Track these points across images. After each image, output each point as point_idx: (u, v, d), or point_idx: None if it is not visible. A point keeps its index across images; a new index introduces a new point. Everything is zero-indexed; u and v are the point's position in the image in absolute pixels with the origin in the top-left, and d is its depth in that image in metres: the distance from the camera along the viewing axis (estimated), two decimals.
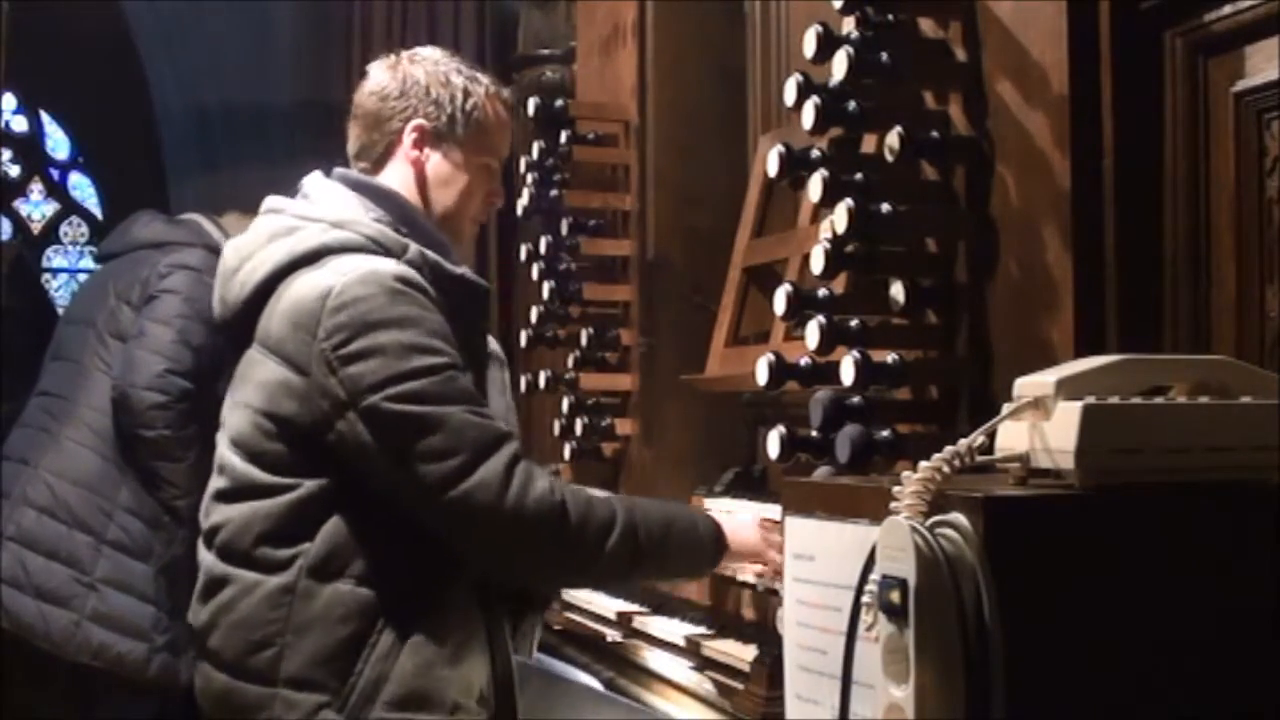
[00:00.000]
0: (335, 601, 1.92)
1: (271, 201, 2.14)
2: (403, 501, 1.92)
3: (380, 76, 2.19)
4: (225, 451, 2.05)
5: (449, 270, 2.06)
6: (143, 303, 3.22)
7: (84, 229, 9.73)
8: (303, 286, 1.97)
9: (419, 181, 2.16)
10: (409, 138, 2.15)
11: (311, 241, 2.01)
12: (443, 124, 2.15)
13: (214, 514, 2.04)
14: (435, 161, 2.16)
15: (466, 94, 2.17)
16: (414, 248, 2.03)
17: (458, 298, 2.05)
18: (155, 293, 3.21)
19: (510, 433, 1.98)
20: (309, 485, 1.95)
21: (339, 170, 2.18)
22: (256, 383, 2.00)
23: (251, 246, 2.08)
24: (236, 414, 2.04)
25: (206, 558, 2.04)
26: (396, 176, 2.16)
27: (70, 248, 9.79)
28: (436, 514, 1.90)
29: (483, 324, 2.15)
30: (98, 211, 9.67)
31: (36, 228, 9.67)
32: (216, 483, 2.06)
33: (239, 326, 2.07)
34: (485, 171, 2.21)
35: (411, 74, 2.17)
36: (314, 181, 2.16)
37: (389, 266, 1.97)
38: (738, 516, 2.17)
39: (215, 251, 3.30)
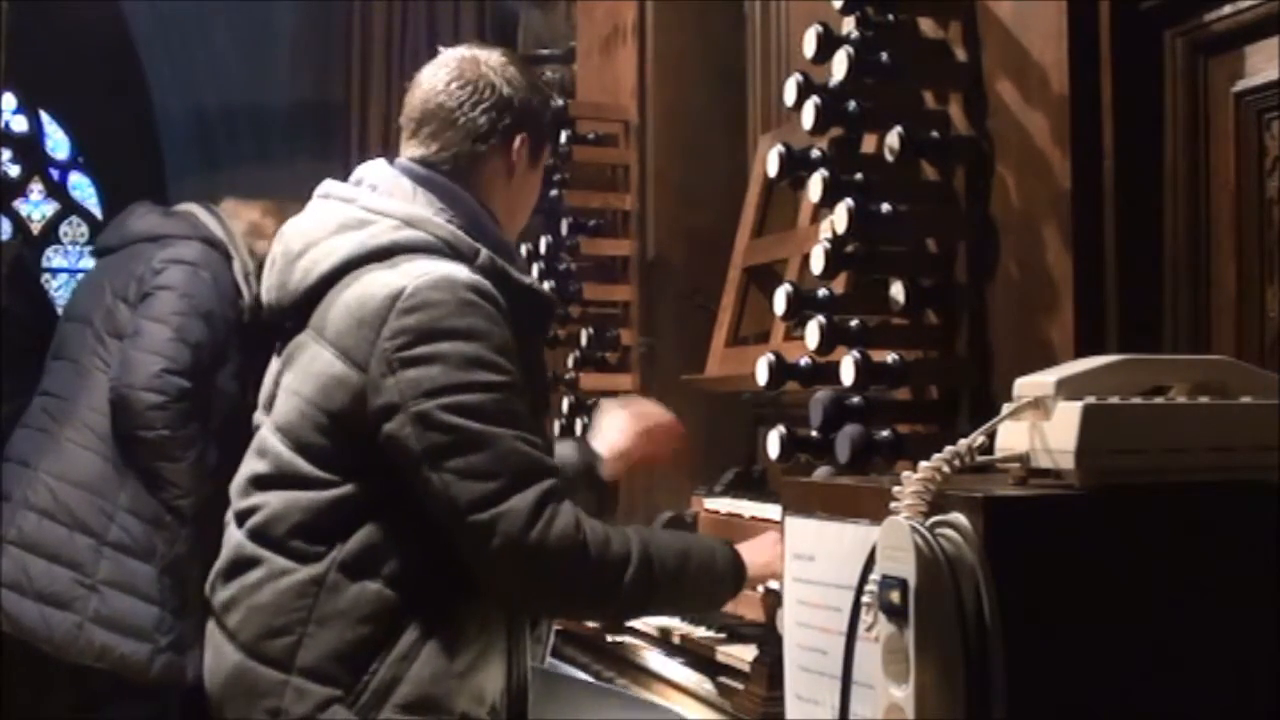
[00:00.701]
0: (361, 599, 1.91)
1: (333, 188, 2.10)
2: (434, 513, 1.91)
3: (471, 84, 2.11)
4: (269, 436, 2.02)
5: (519, 281, 2.04)
6: (139, 300, 3.20)
7: (84, 229, 9.72)
8: (372, 284, 1.94)
9: (511, 191, 2.14)
10: (516, 151, 2.12)
11: (384, 238, 1.98)
12: (538, 135, 2.15)
13: (250, 496, 2.02)
14: (527, 171, 2.15)
15: (549, 109, 2.19)
16: (485, 253, 2.00)
17: (523, 308, 2.03)
18: (150, 290, 3.19)
19: (554, 467, 1.95)
20: (351, 485, 1.94)
21: (402, 163, 2.11)
22: (310, 372, 1.97)
23: (317, 234, 2.04)
24: (286, 400, 2.00)
25: (235, 536, 2.02)
26: (485, 184, 2.11)
27: (70, 248, 9.78)
28: (460, 532, 1.89)
29: (545, 337, 2.14)
30: (98, 211, 9.65)
31: (36, 228, 9.65)
32: (256, 465, 2.03)
33: (296, 312, 2.03)
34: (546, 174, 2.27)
35: (514, 82, 2.13)
36: (379, 172, 2.10)
37: (463, 274, 1.94)
38: (754, 538, 2.15)
39: (211, 243, 3.26)
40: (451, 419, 1.88)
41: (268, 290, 2.10)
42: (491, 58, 2.15)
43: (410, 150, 2.13)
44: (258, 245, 3.36)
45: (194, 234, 3.29)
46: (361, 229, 2.00)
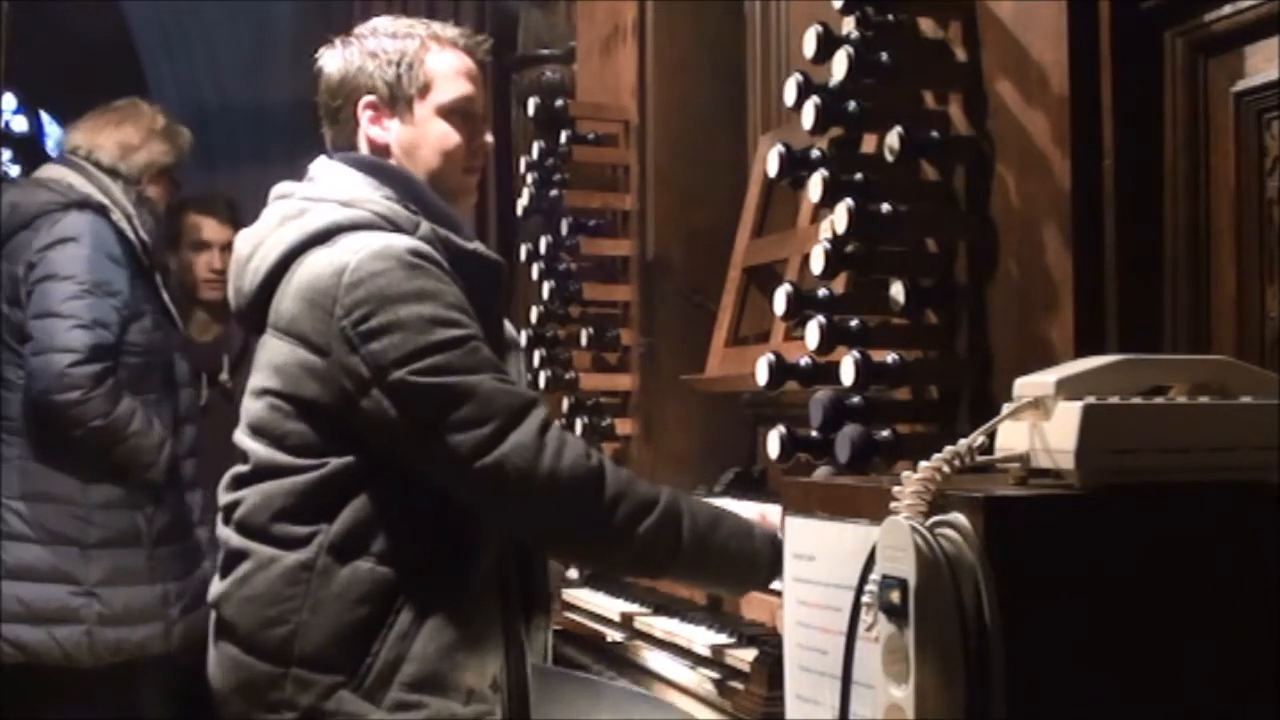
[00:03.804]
0: (354, 580, 1.91)
1: (280, 187, 2.13)
2: (434, 474, 1.91)
3: (324, 70, 2.17)
4: (244, 438, 2.03)
5: (462, 246, 2.05)
6: (27, 300, 3.08)
7: None
8: (316, 264, 1.96)
9: (391, 155, 2.13)
10: (364, 118, 2.13)
11: (322, 220, 2.00)
12: (386, 93, 2.12)
13: (233, 492, 2.03)
14: (397, 130, 2.13)
15: (401, 54, 2.13)
16: (425, 225, 2.02)
17: (472, 274, 2.03)
18: (30, 287, 3.07)
19: (538, 398, 1.96)
20: (333, 464, 1.94)
21: (342, 152, 2.16)
22: (273, 367, 1.98)
23: (263, 232, 2.06)
24: (253, 402, 2.02)
25: (224, 531, 2.03)
26: (381, 154, 2.13)
27: None
28: (469, 483, 1.89)
29: (499, 301, 2.12)
30: None
31: None
32: (238, 468, 2.04)
33: (255, 313, 2.05)
34: (455, 117, 2.15)
35: (345, 56, 2.15)
36: (320, 164, 2.14)
37: (403, 241, 1.96)
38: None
39: (81, 205, 3.10)
40: (426, 380, 1.88)
41: (230, 299, 2.13)
42: (355, 33, 2.19)
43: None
44: (137, 159, 3.27)
45: (64, 200, 3.15)
46: (301, 216, 2.03)
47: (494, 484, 1.87)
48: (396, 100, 2.12)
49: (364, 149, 2.14)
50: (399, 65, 2.13)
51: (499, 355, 2.01)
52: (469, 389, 1.88)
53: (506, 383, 1.92)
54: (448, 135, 2.14)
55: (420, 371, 1.88)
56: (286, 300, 1.98)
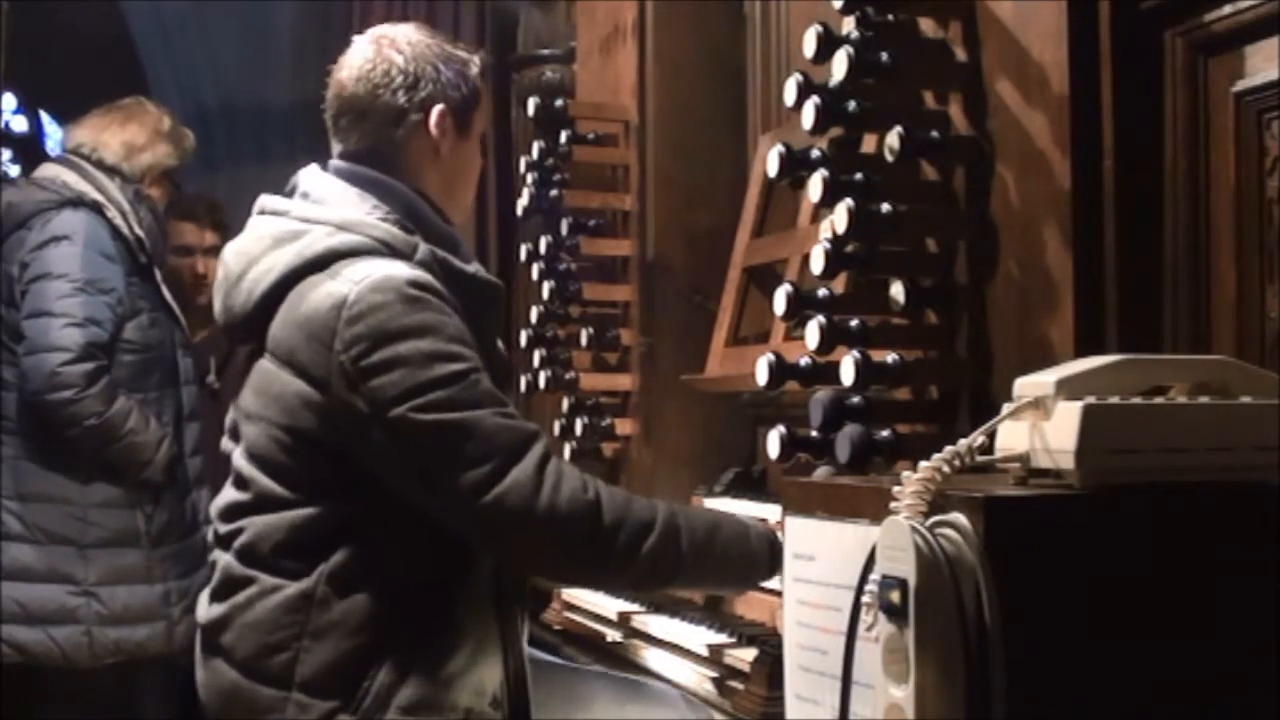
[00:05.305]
0: (352, 610, 1.91)
1: (268, 202, 2.07)
2: (434, 510, 1.90)
3: (379, 68, 2.07)
4: (243, 464, 2.00)
5: (461, 269, 2.03)
6: (22, 300, 3.08)
7: None
8: (315, 296, 1.92)
9: (443, 169, 2.10)
10: (435, 125, 2.07)
11: (319, 246, 1.96)
12: (459, 104, 2.09)
13: (234, 522, 2.01)
14: (457, 142, 2.10)
15: (466, 67, 2.11)
16: (424, 247, 1.98)
17: (470, 297, 2.01)
18: (24, 286, 3.07)
19: (538, 431, 1.94)
20: (333, 498, 1.93)
21: (335, 164, 2.09)
22: (271, 396, 1.95)
23: (255, 250, 2.01)
24: (252, 427, 1.99)
25: (224, 557, 2.01)
26: (414, 168, 2.07)
27: None
28: (470, 520, 1.89)
29: (497, 323, 2.11)
30: None
31: None
32: (236, 495, 2.02)
33: (247, 332, 2.02)
34: (480, 143, 2.17)
35: (412, 57, 2.07)
36: (313, 178, 2.08)
37: (403, 272, 1.92)
38: None
39: (75, 204, 3.09)
40: (427, 418, 1.86)
41: (217, 315, 2.10)
42: (397, 36, 2.11)
43: (336, 147, 2.11)
44: (141, 159, 3.25)
45: (56, 200, 3.14)
46: (296, 240, 1.98)
47: (494, 521, 1.87)
48: (460, 115, 2.10)
49: (414, 158, 2.07)
50: (466, 81, 2.11)
51: (496, 379, 2.00)
52: (470, 426, 1.87)
53: (507, 415, 1.90)
54: (477, 158, 2.16)
55: (421, 408, 1.86)
56: (285, 329, 1.94)
